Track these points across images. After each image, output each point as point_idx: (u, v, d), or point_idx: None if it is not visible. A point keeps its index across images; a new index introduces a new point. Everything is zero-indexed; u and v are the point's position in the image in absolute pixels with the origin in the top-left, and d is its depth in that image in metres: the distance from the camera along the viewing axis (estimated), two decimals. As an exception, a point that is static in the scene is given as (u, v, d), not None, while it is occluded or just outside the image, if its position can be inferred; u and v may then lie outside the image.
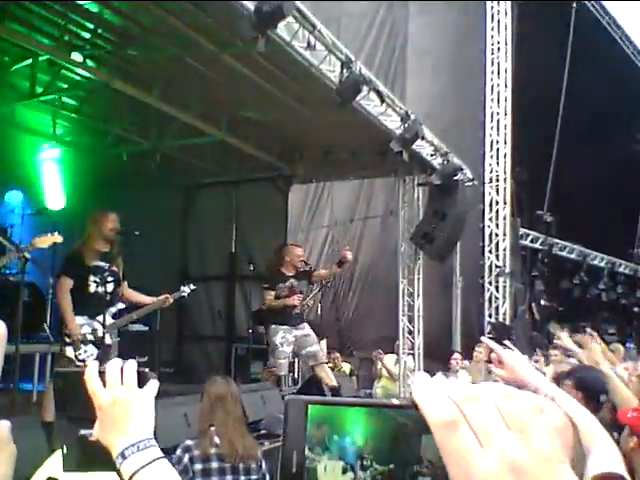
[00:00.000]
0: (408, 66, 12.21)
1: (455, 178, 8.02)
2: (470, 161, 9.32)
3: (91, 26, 6.08)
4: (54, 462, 2.42)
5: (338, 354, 9.51)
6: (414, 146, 7.12)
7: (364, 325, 11.52)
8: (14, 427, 3.39)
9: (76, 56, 6.30)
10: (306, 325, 6.91)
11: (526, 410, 0.49)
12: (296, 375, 9.35)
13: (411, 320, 8.66)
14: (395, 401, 0.55)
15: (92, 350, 4.77)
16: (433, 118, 9.31)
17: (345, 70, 5.73)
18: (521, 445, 0.46)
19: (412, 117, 6.85)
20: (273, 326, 6.68)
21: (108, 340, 4.90)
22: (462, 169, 8.34)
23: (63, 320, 4.75)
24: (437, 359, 8.68)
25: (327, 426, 0.55)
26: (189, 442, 3.19)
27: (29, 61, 6.57)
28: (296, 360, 9.35)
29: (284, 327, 6.67)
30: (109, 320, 4.88)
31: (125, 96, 6.94)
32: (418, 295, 8.64)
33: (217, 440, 3.18)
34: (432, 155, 7.87)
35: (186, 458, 3.11)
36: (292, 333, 6.70)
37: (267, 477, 3.34)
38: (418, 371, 7.31)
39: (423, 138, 7.19)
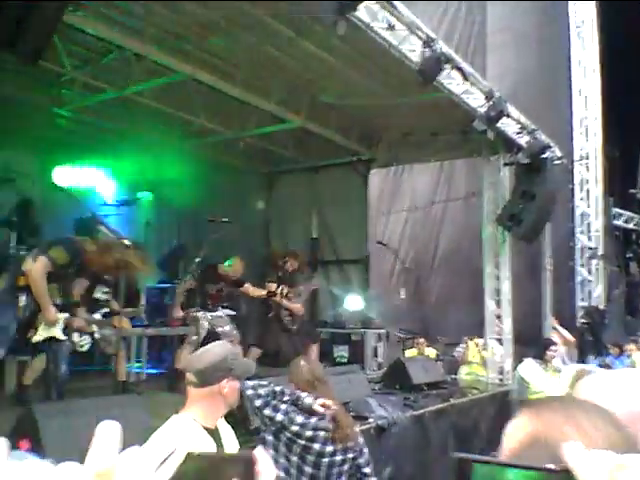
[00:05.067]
0: (488, 42, 11.83)
1: (543, 156, 7.70)
2: (558, 139, 8.93)
3: (174, 18, 6.23)
4: (171, 433, 2.51)
5: (423, 339, 9.40)
6: (499, 124, 6.88)
7: (447, 310, 11.35)
8: (116, 405, 3.53)
9: (161, 49, 6.47)
10: None
11: None
12: (380, 359, 9.34)
13: (498, 304, 8.42)
14: (551, 466, 0.60)
15: (88, 340, 5.39)
16: (516, 95, 8.98)
17: (426, 49, 5.61)
18: None
19: (497, 94, 6.62)
20: None
21: (97, 334, 5.55)
22: (550, 147, 8.00)
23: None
24: (526, 344, 8.42)
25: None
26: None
27: (116, 55, 6.80)
28: (380, 345, 9.35)
29: None
30: (99, 317, 5.70)
31: (208, 87, 7.09)
32: (505, 278, 8.39)
33: None
34: (518, 133, 7.59)
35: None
36: None
37: (365, 450, 3.36)
38: (528, 366, 7.05)
39: (508, 116, 6.94)
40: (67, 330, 4.98)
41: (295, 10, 5.58)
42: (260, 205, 10.24)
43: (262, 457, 0.82)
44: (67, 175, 8.95)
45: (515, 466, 0.61)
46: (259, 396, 3.28)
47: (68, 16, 5.43)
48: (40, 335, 4.75)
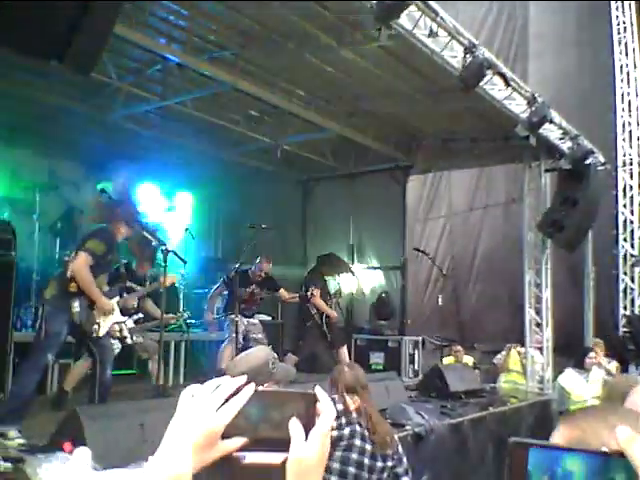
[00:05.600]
0: (530, 48, 11.70)
1: (586, 162, 7.55)
2: (601, 144, 8.75)
3: (215, 28, 6.31)
4: None
5: (460, 347, 9.28)
6: (541, 130, 6.79)
7: (485, 317, 11.20)
8: (157, 408, 3.59)
9: (203, 58, 6.57)
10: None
11: None
12: (416, 367, 9.27)
13: (539, 312, 8.27)
14: (604, 449, 0.63)
15: (117, 345, 5.53)
16: (558, 101, 8.84)
17: (468, 55, 5.57)
18: None
19: (539, 100, 6.53)
20: None
21: (129, 340, 5.68)
22: (593, 152, 7.84)
23: None
24: (567, 354, 8.26)
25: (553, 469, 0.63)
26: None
27: (159, 66, 6.93)
28: (416, 352, 9.28)
29: None
30: (131, 324, 5.74)
31: (247, 95, 7.17)
32: (546, 286, 8.24)
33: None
34: (561, 139, 7.47)
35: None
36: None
37: (404, 460, 3.31)
38: (568, 376, 6.95)
39: (551, 121, 6.83)
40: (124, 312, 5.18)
41: (336, 18, 5.61)
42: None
43: (323, 397, 0.84)
44: (110, 183, 9.14)
45: (570, 450, 0.63)
46: None
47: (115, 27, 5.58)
48: (104, 327, 4.87)
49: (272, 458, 0.83)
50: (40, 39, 3.16)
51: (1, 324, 5.72)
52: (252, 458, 0.83)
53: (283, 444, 0.82)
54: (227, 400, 0.82)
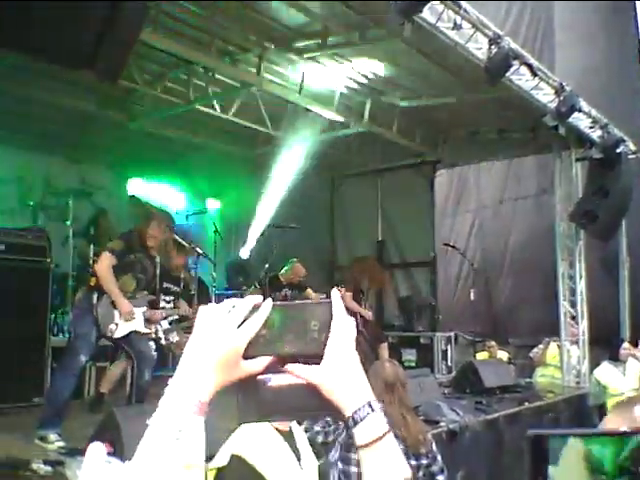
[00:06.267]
0: (556, 38, 11.50)
1: (617, 151, 7.40)
2: (631, 132, 8.56)
3: (238, 30, 6.34)
4: (237, 439, 2.54)
5: (493, 342, 9.18)
6: (570, 119, 6.67)
7: (518, 311, 11.05)
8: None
9: (226, 61, 6.61)
10: None
11: None
12: (449, 363, 9.21)
13: (573, 305, 8.13)
14: (625, 428, 0.65)
15: (153, 345, 5.48)
16: (586, 89, 8.67)
17: (493, 46, 5.50)
18: None
19: (567, 89, 6.42)
20: None
21: (163, 341, 5.77)
22: (624, 140, 7.68)
23: None
24: (603, 346, 8.10)
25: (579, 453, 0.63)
26: None
27: (184, 69, 6.98)
28: (449, 348, 9.21)
29: None
30: (166, 325, 5.85)
31: (272, 95, 7.18)
32: (580, 278, 8.09)
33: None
34: (590, 127, 7.33)
35: None
36: None
37: (439, 458, 3.28)
38: (604, 369, 6.90)
39: (580, 110, 6.70)
40: (147, 324, 5.05)
41: (360, 14, 5.60)
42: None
43: (338, 303, 0.84)
44: (140, 187, 9.28)
45: (591, 434, 0.64)
46: (317, 432, 3.26)
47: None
48: (121, 330, 4.76)
49: (297, 378, 0.82)
50: (68, 47, 3.21)
51: (38, 329, 5.84)
52: (277, 380, 0.82)
53: (307, 362, 0.81)
54: (245, 319, 0.80)
